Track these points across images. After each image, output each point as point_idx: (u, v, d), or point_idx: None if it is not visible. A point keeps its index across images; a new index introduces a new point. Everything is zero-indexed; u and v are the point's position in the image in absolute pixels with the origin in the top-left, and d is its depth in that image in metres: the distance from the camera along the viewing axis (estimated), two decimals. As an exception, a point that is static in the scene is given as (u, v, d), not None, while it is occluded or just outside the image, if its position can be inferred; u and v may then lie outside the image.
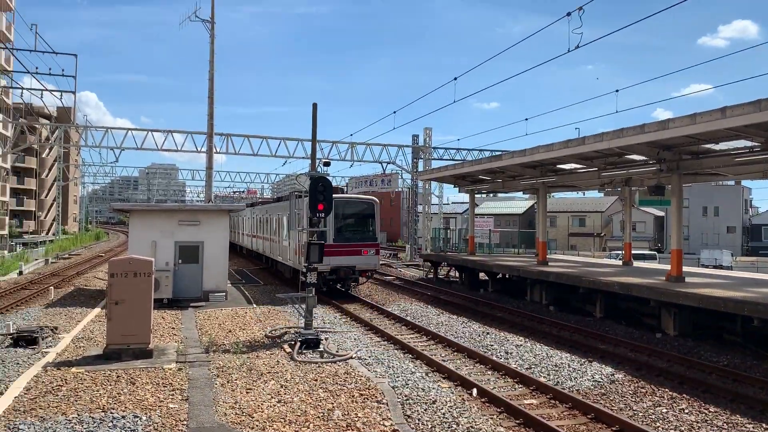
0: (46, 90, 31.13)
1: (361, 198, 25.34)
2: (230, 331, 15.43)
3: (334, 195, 22.19)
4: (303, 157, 40.80)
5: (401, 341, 14.94)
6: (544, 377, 11.90)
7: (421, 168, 43.73)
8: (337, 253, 22.32)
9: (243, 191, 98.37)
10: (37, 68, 33.17)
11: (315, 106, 15.89)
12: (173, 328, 15.71)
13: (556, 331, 16.79)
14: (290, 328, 15.62)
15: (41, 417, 8.40)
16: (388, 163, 43.68)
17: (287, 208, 23.02)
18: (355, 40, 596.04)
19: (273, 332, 15.18)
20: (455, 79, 23.53)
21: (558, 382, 11.60)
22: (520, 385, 11.48)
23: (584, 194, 48.97)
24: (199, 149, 38.50)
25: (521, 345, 14.77)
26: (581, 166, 22.33)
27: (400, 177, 48.53)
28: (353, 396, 9.79)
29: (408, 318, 18.54)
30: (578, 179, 24.83)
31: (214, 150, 37.47)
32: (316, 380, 10.75)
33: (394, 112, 34.09)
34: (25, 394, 9.54)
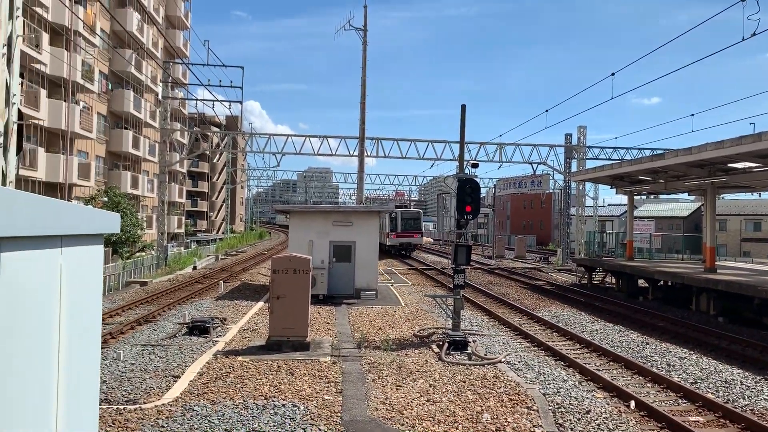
0: (217, 100, 34.02)
1: (413, 209, 52.20)
2: (380, 329, 15.88)
3: (398, 209, 47.94)
4: (450, 159, 40.70)
5: (552, 348, 14.49)
6: (711, 393, 10.98)
7: (574, 168, 42.06)
8: (403, 236, 45.88)
9: (392, 193, 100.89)
10: (209, 81, 36.34)
11: (463, 107, 15.86)
12: (328, 323, 16.48)
13: (725, 344, 15.40)
14: (438, 328, 15.76)
15: (212, 400, 9.19)
16: (539, 163, 42.46)
17: (384, 214, 42.92)
18: (505, 38, 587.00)
19: (421, 332, 15.40)
20: (613, 74, 22.48)
21: (728, 399, 10.64)
22: (684, 401, 10.67)
23: (760, 195, 44.40)
24: (351, 153, 39.89)
25: (685, 357, 13.75)
26: (757, 164, 20.33)
27: (551, 178, 47.13)
28: (502, 400, 9.67)
29: (559, 324, 17.95)
30: (753, 179, 22.67)
31: (365, 153, 38.77)
32: (464, 382, 10.74)
33: (546, 111, 33.20)
34: (198, 378, 10.49)
